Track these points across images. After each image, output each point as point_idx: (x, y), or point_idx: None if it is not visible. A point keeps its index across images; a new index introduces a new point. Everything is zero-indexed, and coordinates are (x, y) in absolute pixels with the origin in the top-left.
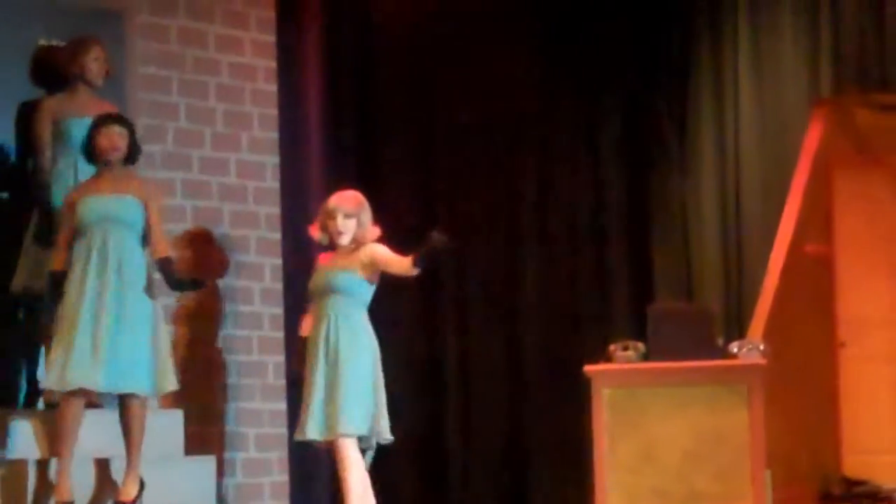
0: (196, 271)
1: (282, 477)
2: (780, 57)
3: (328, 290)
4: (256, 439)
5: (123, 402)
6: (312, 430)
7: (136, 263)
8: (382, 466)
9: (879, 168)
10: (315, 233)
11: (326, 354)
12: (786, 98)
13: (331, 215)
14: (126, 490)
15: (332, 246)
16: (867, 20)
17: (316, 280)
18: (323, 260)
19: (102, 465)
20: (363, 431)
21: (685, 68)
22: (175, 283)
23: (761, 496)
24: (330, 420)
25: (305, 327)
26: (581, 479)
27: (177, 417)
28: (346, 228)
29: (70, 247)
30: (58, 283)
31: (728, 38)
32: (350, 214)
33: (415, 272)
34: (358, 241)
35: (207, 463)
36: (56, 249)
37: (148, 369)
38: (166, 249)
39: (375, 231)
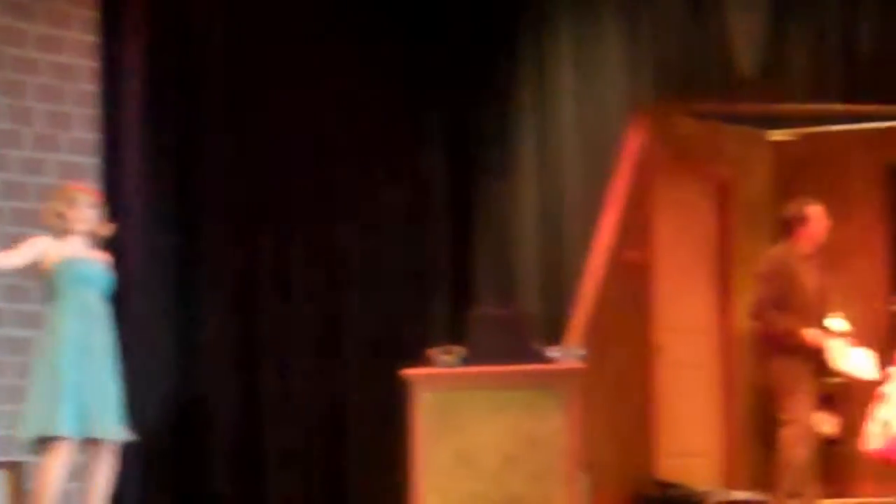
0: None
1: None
2: (601, 64)
3: (89, 282)
4: None
5: None
6: (82, 426)
7: None
8: (199, 469)
9: (697, 176)
10: (48, 219)
11: (86, 349)
12: (607, 105)
13: (73, 203)
14: None
15: (65, 233)
16: (688, 29)
17: (71, 268)
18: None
19: None
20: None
21: (509, 75)
22: None
23: (576, 499)
24: (110, 419)
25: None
26: (399, 483)
27: None
28: (88, 218)
29: None
30: None
31: (551, 44)
32: (93, 205)
33: None
34: (94, 235)
35: None
36: None
37: None
38: None
39: (111, 226)
